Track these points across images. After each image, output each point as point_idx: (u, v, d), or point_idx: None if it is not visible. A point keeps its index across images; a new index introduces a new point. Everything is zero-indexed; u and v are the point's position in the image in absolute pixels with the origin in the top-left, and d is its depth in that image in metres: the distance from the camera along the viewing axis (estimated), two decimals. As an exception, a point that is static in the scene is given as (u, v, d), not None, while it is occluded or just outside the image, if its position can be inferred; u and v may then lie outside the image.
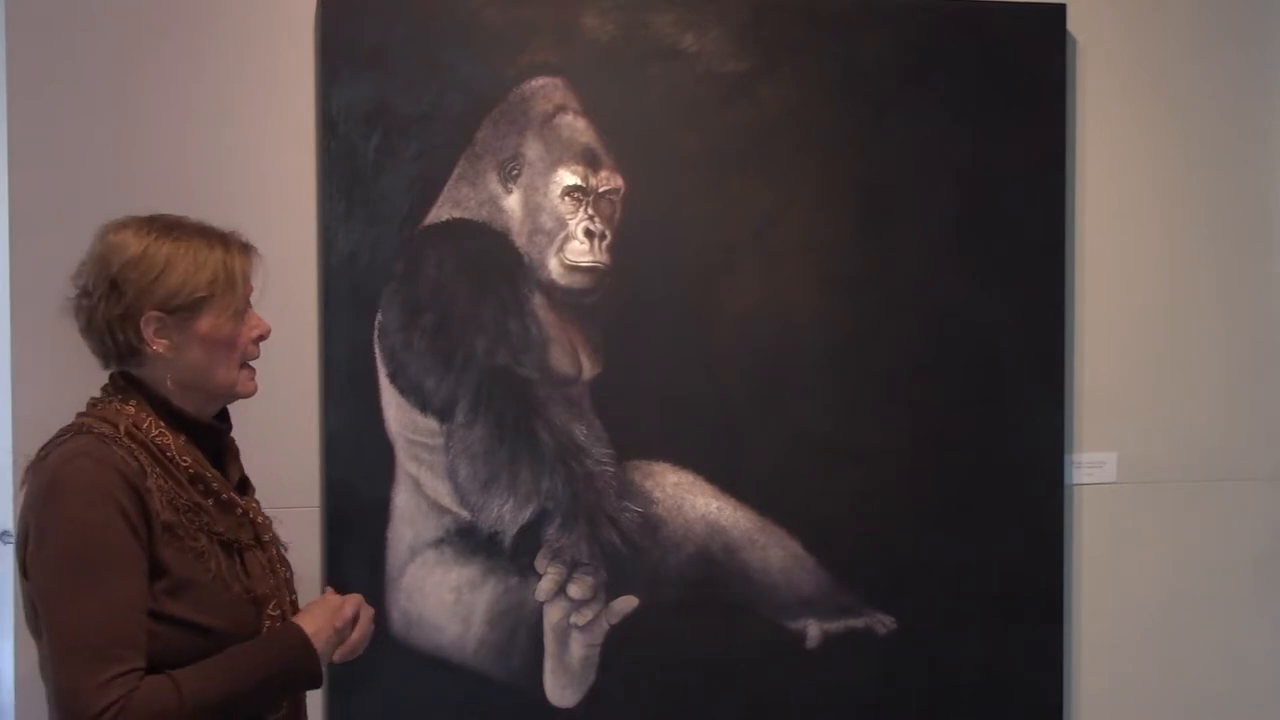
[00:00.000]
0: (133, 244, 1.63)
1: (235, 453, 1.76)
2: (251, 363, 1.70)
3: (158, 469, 1.59)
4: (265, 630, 1.61)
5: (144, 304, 1.61)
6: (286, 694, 1.63)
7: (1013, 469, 2.40)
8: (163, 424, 1.62)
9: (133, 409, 1.62)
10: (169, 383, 1.64)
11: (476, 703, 2.22)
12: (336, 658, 1.67)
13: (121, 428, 1.60)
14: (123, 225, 1.65)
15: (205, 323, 1.62)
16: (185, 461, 1.62)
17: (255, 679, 1.55)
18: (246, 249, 1.69)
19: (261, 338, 1.69)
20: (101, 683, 1.45)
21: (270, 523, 1.78)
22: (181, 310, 1.61)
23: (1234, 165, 2.54)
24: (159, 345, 1.61)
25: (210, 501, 1.63)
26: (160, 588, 1.55)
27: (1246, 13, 2.53)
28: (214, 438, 1.70)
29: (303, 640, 1.60)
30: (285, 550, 1.79)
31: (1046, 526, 2.43)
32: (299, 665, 1.59)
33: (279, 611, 1.64)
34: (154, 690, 1.48)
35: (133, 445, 1.59)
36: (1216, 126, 2.53)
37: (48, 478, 1.54)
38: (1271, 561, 2.57)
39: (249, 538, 1.66)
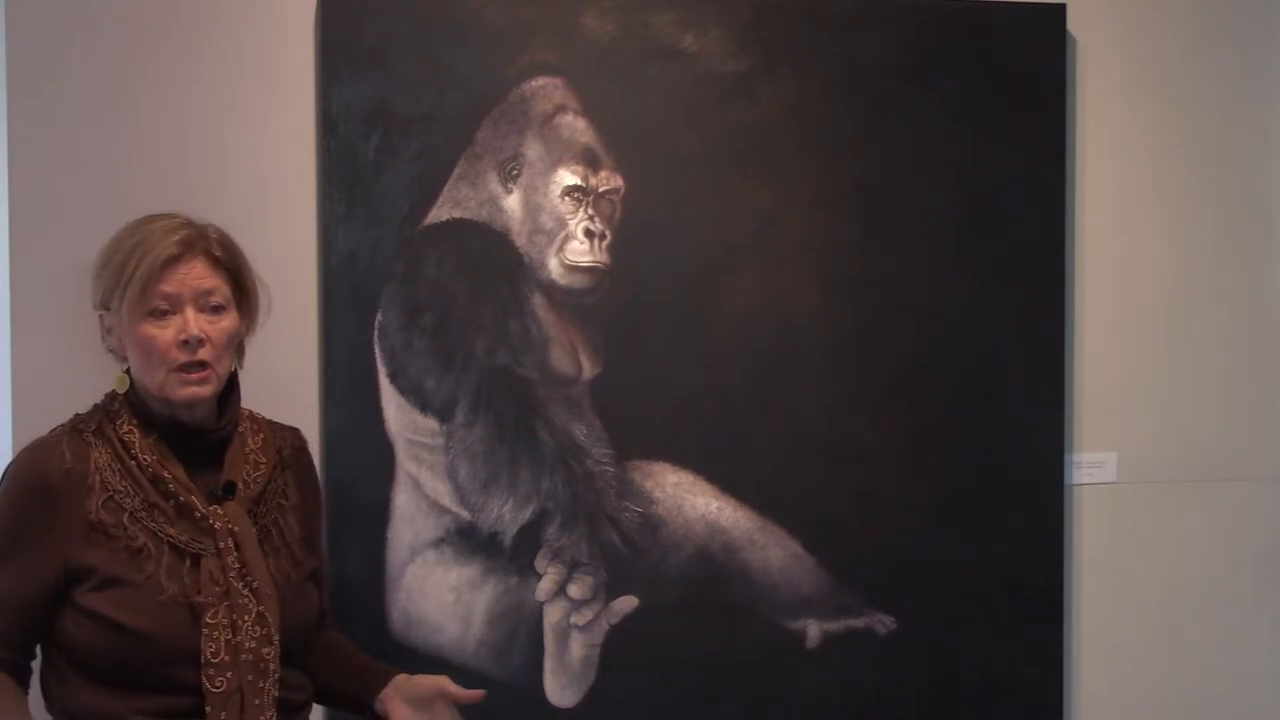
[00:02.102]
0: (110, 238, 1.67)
1: (251, 450, 1.74)
2: (198, 365, 1.63)
3: (117, 466, 1.62)
4: (202, 638, 1.60)
5: (95, 299, 1.67)
6: None
7: (1013, 469, 2.40)
8: (135, 421, 1.64)
9: (117, 404, 1.67)
10: (128, 379, 1.67)
11: (476, 702, 2.21)
12: None
13: (95, 421, 1.66)
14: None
15: (118, 321, 1.63)
16: (146, 460, 1.63)
17: None
18: (177, 243, 1.62)
19: (186, 342, 1.61)
20: None
21: (285, 533, 1.76)
22: (110, 308, 1.64)
23: (1234, 165, 2.54)
24: (110, 343, 1.65)
25: (170, 504, 1.63)
26: (91, 584, 1.59)
27: (1247, 13, 2.53)
28: (194, 437, 1.68)
29: None
30: (297, 561, 1.76)
31: (1046, 526, 2.43)
32: None
33: (227, 620, 1.61)
34: None
35: (96, 440, 1.64)
36: (1217, 126, 2.53)
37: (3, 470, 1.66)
38: (1272, 561, 2.57)
39: (209, 545, 1.63)
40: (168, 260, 1.61)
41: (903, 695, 2.38)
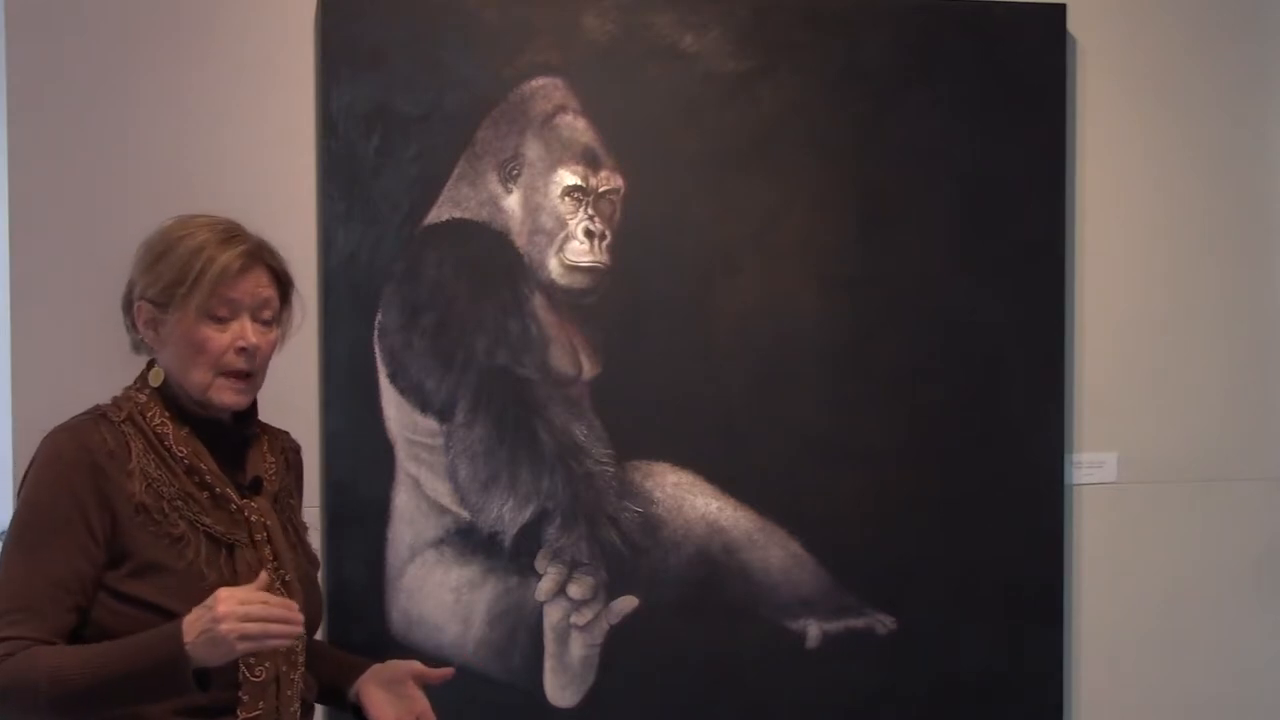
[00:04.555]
0: (157, 230, 1.67)
1: (264, 450, 1.77)
2: (244, 373, 1.66)
3: (151, 455, 1.63)
4: None
5: (136, 291, 1.67)
6: (162, 691, 1.51)
7: (1013, 469, 2.40)
8: (167, 414, 1.65)
9: (145, 397, 1.67)
10: (162, 373, 1.67)
11: (476, 703, 2.22)
12: (241, 649, 1.50)
13: (125, 412, 1.65)
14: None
15: (174, 319, 1.63)
16: (181, 452, 1.64)
17: (122, 669, 1.49)
18: (245, 253, 1.65)
19: (242, 350, 1.64)
20: None
21: (299, 529, 1.80)
22: (161, 303, 1.63)
23: (1234, 165, 2.54)
24: (146, 335, 1.66)
25: (205, 495, 1.65)
26: (127, 569, 1.59)
27: (1247, 13, 2.53)
28: (224, 433, 1.70)
29: (173, 634, 1.49)
30: (311, 558, 1.81)
31: (1046, 526, 2.43)
32: (166, 660, 1.49)
33: None
34: (26, 659, 1.49)
35: (129, 430, 1.64)
36: (1217, 126, 2.53)
37: (37, 449, 1.63)
38: (1272, 561, 2.57)
39: (243, 536, 1.66)
40: (240, 269, 1.64)
41: (903, 695, 2.38)
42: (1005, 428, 2.40)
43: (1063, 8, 2.41)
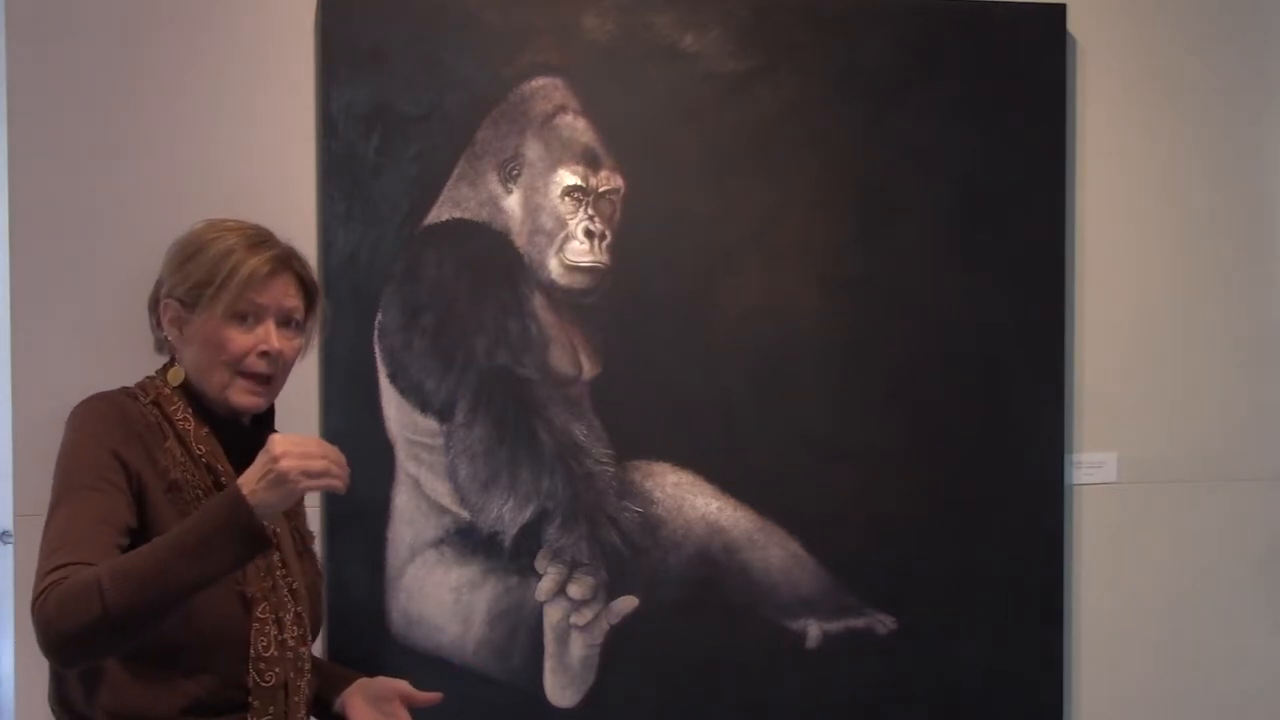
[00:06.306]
0: (189, 231, 1.68)
1: None
2: (264, 377, 1.66)
3: (178, 445, 1.64)
4: (253, 631, 1.61)
5: (164, 290, 1.68)
6: (231, 551, 1.46)
7: (1013, 469, 2.40)
8: (189, 410, 1.65)
9: (169, 391, 1.67)
10: (183, 372, 1.68)
11: (476, 703, 2.22)
12: (304, 486, 1.49)
13: (150, 396, 1.66)
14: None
15: (199, 318, 1.64)
16: (200, 450, 1.64)
17: (184, 540, 1.45)
18: (274, 258, 1.66)
19: (265, 354, 1.65)
20: (47, 570, 1.48)
21: (305, 537, 1.81)
22: (188, 302, 1.64)
23: (1234, 165, 2.54)
24: (170, 333, 1.66)
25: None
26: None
27: (1247, 13, 2.53)
28: (242, 436, 1.70)
29: (231, 491, 1.47)
30: (316, 568, 1.82)
31: (1046, 526, 2.43)
32: (229, 515, 1.46)
33: (274, 616, 1.64)
34: (83, 571, 1.46)
35: (157, 413, 1.65)
36: (1217, 126, 2.53)
37: (73, 413, 1.63)
38: (1272, 561, 2.57)
39: None
40: (268, 274, 1.65)
41: (903, 695, 2.38)
42: (1005, 428, 2.40)
43: (1063, 8, 2.41)
